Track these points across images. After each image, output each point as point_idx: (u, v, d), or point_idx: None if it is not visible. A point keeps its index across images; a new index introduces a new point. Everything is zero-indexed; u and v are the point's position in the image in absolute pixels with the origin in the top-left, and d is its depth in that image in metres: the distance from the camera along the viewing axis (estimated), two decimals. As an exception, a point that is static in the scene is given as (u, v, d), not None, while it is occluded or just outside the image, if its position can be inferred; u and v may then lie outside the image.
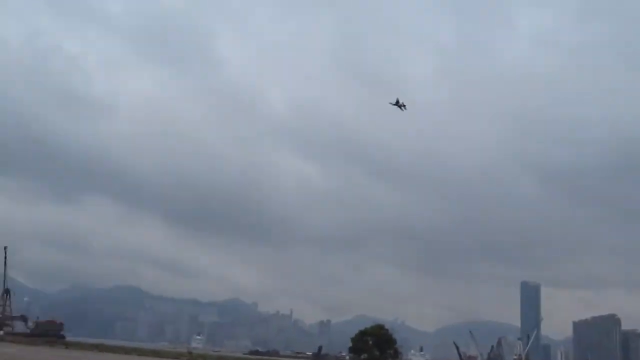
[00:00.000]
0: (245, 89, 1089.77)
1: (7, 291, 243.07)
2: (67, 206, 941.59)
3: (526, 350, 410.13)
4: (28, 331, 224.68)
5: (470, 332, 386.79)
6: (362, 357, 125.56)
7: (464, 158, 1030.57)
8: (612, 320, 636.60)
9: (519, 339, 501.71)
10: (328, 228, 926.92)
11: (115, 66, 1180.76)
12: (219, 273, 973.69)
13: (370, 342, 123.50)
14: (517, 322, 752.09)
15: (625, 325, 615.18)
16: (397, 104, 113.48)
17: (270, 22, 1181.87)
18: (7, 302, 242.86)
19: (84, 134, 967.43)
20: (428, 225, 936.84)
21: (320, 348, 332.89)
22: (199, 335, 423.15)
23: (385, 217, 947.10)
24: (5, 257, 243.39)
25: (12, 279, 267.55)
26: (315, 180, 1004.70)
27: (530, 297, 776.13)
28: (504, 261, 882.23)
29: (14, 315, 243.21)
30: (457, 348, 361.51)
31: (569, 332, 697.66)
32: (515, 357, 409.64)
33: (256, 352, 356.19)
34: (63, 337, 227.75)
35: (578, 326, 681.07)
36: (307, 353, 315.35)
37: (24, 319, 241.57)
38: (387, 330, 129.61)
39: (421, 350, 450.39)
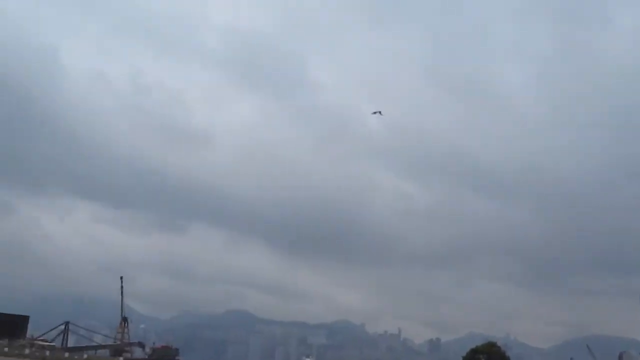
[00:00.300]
0: (339, 109, 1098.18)
1: (124, 319, 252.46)
2: (174, 235, 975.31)
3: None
4: (146, 357, 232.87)
5: (587, 346, 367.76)
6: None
7: (567, 166, 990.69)
8: None
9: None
10: (431, 245, 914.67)
11: (213, 97, 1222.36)
12: (325, 295, 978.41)
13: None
14: (639, 336, 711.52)
15: None
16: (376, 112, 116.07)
17: (360, 42, 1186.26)
18: (126, 330, 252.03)
19: (187, 165, 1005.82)
20: (535, 238, 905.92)
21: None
22: (308, 357, 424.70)
23: (489, 232, 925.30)
24: (122, 287, 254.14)
25: (128, 307, 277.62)
26: (415, 198, 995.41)
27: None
28: (619, 271, 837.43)
29: (132, 341, 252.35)
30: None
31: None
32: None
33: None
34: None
35: None
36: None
37: (141, 345, 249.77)
38: (499, 347, 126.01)
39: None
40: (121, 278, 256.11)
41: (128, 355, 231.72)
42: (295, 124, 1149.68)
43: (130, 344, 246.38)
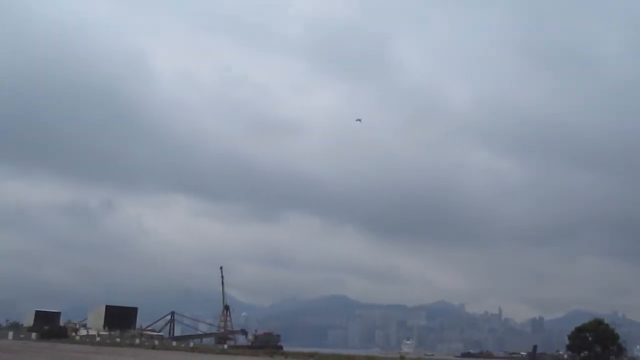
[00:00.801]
0: (426, 89, 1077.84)
1: (227, 307, 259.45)
2: (271, 224, 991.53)
3: None
4: (249, 344, 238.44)
5: None
6: (582, 355, 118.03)
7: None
8: None
9: None
10: (530, 222, 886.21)
11: (300, 86, 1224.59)
12: (423, 277, 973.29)
13: (590, 339, 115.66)
14: None
15: None
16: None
17: (444, 18, 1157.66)
18: (228, 318, 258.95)
19: (279, 155, 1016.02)
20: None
21: (535, 347, 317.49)
22: (408, 340, 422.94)
23: (591, 206, 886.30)
24: (222, 277, 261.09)
25: (230, 296, 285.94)
26: (511, 175, 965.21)
27: None
28: None
29: (234, 329, 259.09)
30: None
31: None
32: None
33: (468, 355, 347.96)
34: (281, 347, 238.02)
35: None
36: (521, 353, 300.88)
37: (244, 332, 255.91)
38: (607, 325, 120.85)
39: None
40: (221, 268, 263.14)
41: (232, 342, 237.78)
42: (383, 107, 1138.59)
43: (233, 332, 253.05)
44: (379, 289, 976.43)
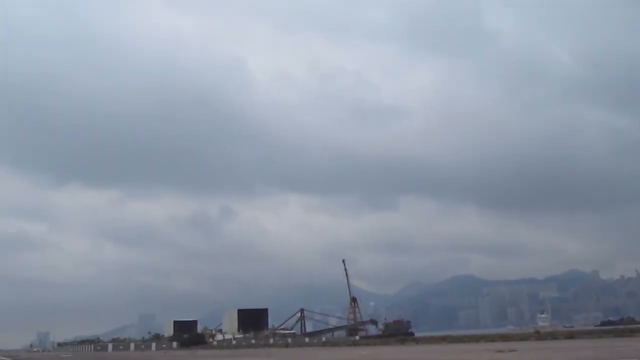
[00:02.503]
0: (525, 53, 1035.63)
1: (354, 299, 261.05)
2: (385, 212, 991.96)
3: None
4: (380, 333, 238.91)
5: None
6: None
7: None
8: None
9: None
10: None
11: (395, 70, 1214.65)
12: (549, 247, 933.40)
13: None
14: None
15: None
16: None
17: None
18: (357, 309, 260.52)
19: (384, 141, 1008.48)
20: None
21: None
22: (542, 313, 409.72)
23: None
24: (345, 269, 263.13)
25: (356, 288, 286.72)
26: (630, 131, 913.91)
27: None
28: None
29: (364, 320, 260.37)
30: None
31: None
32: None
33: (609, 322, 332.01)
34: (412, 334, 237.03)
35: None
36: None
37: (373, 322, 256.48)
38: None
39: None
40: (343, 261, 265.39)
41: (363, 333, 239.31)
42: (483, 78, 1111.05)
43: (364, 323, 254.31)
44: (505, 264, 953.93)
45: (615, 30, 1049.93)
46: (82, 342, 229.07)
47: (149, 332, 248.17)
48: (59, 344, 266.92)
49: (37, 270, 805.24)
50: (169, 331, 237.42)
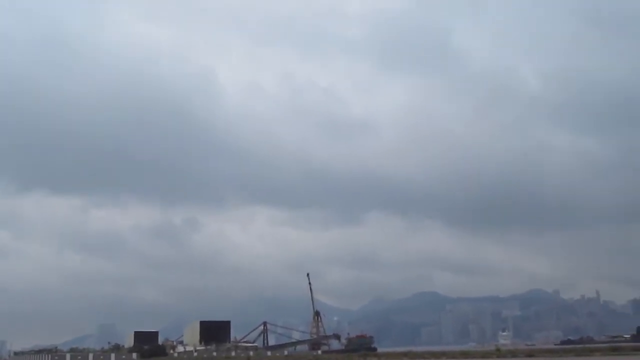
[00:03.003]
0: (495, 73, 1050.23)
1: (317, 313, 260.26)
2: (352, 227, 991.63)
3: None
4: (342, 347, 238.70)
5: None
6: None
7: None
8: None
9: None
10: (620, 200, 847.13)
11: (365, 86, 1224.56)
12: (513, 266, 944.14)
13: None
14: None
15: None
16: None
17: (501, 4, 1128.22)
18: (320, 324, 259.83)
19: (353, 156, 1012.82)
20: None
21: (639, 329, 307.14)
22: (504, 331, 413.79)
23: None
24: (310, 283, 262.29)
25: (320, 302, 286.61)
26: (594, 152, 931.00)
27: None
28: None
29: (327, 334, 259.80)
30: None
31: None
32: None
33: (568, 342, 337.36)
34: (375, 349, 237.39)
35: None
36: (625, 336, 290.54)
37: (336, 336, 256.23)
38: None
39: None
40: (308, 275, 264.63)
41: (326, 347, 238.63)
42: (452, 97, 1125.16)
43: (327, 337, 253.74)
44: (468, 282, 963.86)
45: (584, 54, 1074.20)
46: (40, 351, 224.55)
47: (109, 343, 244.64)
48: (16, 353, 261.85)
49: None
50: (129, 342, 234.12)
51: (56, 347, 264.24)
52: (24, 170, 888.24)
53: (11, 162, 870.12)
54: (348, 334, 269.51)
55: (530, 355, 59.78)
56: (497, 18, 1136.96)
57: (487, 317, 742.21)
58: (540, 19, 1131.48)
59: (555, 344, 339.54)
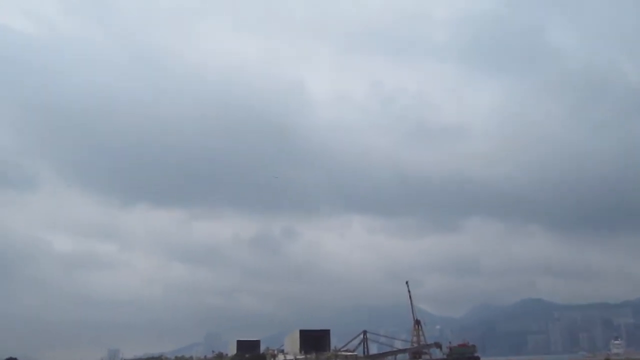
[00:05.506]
0: (591, 71, 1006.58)
1: (417, 322, 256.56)
2: (450, 233, 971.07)
3: None
4: (444, 356, 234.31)
5: None
6: None
7: None
8: None
9: None
10: None
11: (457, 90, 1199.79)
12: (622, 270, 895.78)
13: None
14: None
15: None
16: None
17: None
18: (420, 332, 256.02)
19: (448, 162, 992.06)
20: None
21: None
22: (616, 339, 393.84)
23: None
24: (409, 291, 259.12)
25: (420, 310, 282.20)
26: None
27: None
28: None
29: (428, 343, 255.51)
30: None
31: None
32: None
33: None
34: (478, 358, 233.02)
35: None
36: None
37: (438, 345, 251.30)
38: None
39: None
40: (407, 283, 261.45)
41: (427, 356, 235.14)
42: (547, 96, 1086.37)
43: (427, 346, 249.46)
44: (574, 287, 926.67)
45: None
46: (149, 359, 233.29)
47: (213, 351, 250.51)
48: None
49: (108, 288, 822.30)
50: (232, 350, 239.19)
51: (162, 355, 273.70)
52: (127, 186, 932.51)
53: (116, 179, 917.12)
54: (450, 342, 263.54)
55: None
56: (591, 13, 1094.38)
57: (597, 324, 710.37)
58: (638, 11, 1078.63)
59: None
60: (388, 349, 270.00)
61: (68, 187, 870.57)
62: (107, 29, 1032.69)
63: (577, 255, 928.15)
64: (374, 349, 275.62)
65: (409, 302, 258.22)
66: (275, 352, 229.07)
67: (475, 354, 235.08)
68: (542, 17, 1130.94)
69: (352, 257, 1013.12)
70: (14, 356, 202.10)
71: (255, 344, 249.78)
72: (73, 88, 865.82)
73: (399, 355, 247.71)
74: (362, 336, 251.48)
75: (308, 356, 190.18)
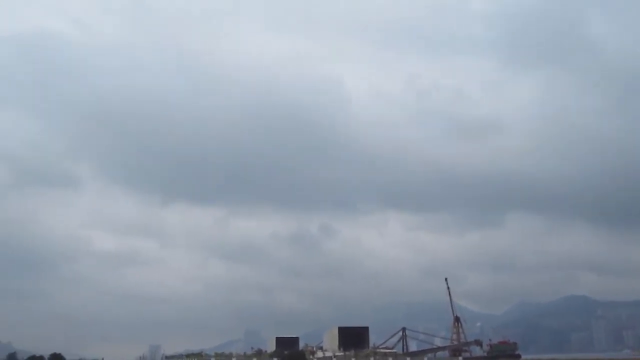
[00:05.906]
0: (632, 65, 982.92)
1: (457, 319, 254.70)
2: (489, 229, 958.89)
3: None
4: (485, 354, 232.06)
5: None
6: None
7: None
8: None
9: None
10: None
11: (493, 84, 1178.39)
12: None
13: None
14: None
15: None
16: None
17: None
18: (460, 329, 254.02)
19: (484, 157, 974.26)
20: None
21: None
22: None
23: None
24: (448, 287, 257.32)
25: (460, 307, 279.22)
26: None
27: None
28: None
29: (468, 340, 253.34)
30: None
31: None
32: None
33: None
34: (519, 356, 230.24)
35: None
36: None
37: (478, 343, 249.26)
38: None
39: None
40: (446, 279, 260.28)
41: (467, 354, 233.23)
42: (589, 90, 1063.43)
43: (467, 343, 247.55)
44: (618, 284, 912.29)
45: None
46: (189, 355, 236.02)
47: (252, 348, 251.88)
48: (167, 357, 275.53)
49: (148, 285, 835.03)
50: (271, 347, 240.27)
51: (202, 351, 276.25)
52: (167, 185, 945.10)
53: (156, 178, 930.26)
54: (490, 339, 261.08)
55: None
56: (633, 3, 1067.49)
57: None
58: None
59: None
60: (427, 346, 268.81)
61: (110, 187, 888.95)
62: (146, 32, 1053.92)
63: (621, 252, 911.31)
64: (413, 346, 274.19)
65: (449, 298, 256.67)
66: (314, 348, 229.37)
67: (517, 352, 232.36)
68: (582, 9, 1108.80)
69: (390, 253, 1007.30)
70: (58, 352, 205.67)
71: (294, 340, 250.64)
72: (114, 90, 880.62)
73: (439, 353, 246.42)
74: (401, 333, 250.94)
75: (347, 353, 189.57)
